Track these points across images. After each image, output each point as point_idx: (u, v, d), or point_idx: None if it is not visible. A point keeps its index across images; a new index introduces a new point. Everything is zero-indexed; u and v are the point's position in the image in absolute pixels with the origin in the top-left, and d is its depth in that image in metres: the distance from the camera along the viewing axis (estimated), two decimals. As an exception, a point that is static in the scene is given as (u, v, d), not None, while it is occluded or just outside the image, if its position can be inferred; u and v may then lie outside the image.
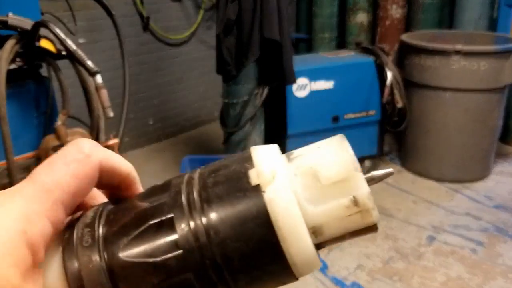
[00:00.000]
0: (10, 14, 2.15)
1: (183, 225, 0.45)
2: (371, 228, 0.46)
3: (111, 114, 2.41)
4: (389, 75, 4.45)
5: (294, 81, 4.19)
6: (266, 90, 4.21)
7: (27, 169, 2.41)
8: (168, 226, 0.46)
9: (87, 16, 4.94)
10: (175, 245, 0.45)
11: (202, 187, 0.47)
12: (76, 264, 0.44)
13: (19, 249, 0.39)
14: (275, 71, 4.12)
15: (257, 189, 0.45)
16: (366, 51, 4.85)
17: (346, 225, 0.46)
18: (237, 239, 0.44)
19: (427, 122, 4.77)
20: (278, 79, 4.13)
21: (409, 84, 4.81)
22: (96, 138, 2.44)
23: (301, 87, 4.43)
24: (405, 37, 4.96)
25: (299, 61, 4.55)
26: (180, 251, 0.44)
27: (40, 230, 0.41)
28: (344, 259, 3.67)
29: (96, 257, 0.44)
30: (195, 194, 0.47)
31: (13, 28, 2.17)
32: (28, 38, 2.20)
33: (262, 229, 0.44)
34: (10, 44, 2.17)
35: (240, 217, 0.44)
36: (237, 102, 4.25)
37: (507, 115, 5.30)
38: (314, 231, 0.46)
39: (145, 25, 5.58)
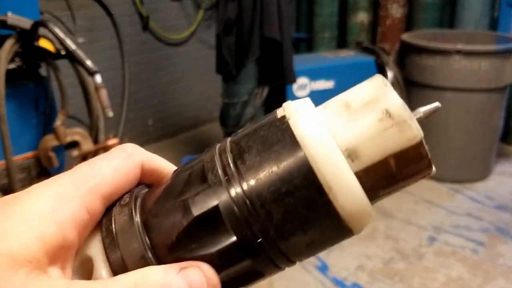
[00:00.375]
0: (9, 14, 2.15)
1: (223, 196, 0.44)
2: (420, 155, 0.45)
3: (111, 114, 2.41)
4: (390, 74, 4.45)
5: (294, 81, 4.18)
6: (266, 90, 4.21)
7: (27, 169, 2.42)
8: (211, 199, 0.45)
9: (86, 15, 4.94)
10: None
11: (236, 152, 0.46)
12: (118, 253, 0.44)
13: (46, 225, 0.40)
14: (275, 70, 4.11)
15: (283, 121, 0.45)
16: (366, 50, 4.86)
17: (384, 142, 0.44)
18: (277, 192, 0.43)
19: (428, 123, 4.70)
20: (278, 78, 4.13)
21: (410, 84, 4.81)
22: (95, 138, 2.45)
23: (301, 87, 4.43)
24: (405, 36, 4.96)
25: (300, 60, 4.55)
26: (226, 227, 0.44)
27: (71, 212, 0.42)
28: (344, 259, 3.66)
29: (136, 244, 0.44)
30: (230, 160, 0.46)
31: (12, 27, 2.18)
32: (27, 37, 2.20)
33: (297, 163, 0.43)
34: (9, 43, 2.17)
35: (277, 165, 0.43)
36: (237, 102, 4.25)
37: (508, 115, 5.30)
38: (349, 154, 0.44)
39: (145, 24, 5.58)
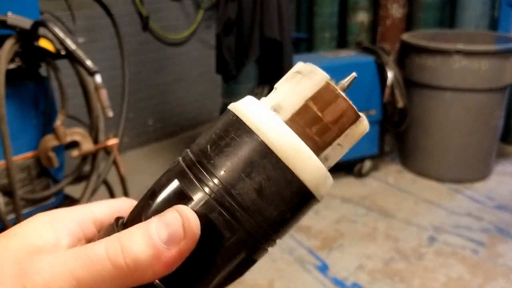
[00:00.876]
0: (9, 14, 2.15)
1: (199, 194, 0.51)
2: (334, 94, 0.53)
3: (111, 114, 2.42)
4: (390, 74, 4.45)
5: (295, 81, 4.18)
6: (266, 90, 4.21)
7: (27, 169, 2.42)
8: (181, 196, 0.52)
9: (86, 15, 4.94)
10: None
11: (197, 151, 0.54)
12: None
13: (45, 231, 0.49)
14: (275, 70, 4.12)
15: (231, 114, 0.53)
16: (366, 50, 4.86)
17: (300, 91, 0.53)
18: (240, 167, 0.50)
19: (428, 122, 4.77)
20: (278, 78, 4.12)
21: (410, 84, 4.81)
22: (95, 138, 2.45)
23: (301, 87, 4.42)
24: (406, 36, 4.96)
25: (300, 60, 4.54)
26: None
27: (67, 225, 0.51)
28: (344, 259, 3.66)
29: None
30: (193, 157, 0.54)
31: (12, 27, 2.18)
32: (27, 37, 2.20)
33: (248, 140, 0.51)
34: (9, 43, 2.18)
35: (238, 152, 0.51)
36: (237, 102, 4.26)
37: (508, 115, 5.30)
38: (275, 109, 0.53)
39: (145, 24, 5.58)
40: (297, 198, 0.51)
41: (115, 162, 2.62)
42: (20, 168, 2.39)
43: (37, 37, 2.23)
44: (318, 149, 0.53)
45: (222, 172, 0.50)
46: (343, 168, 4.99)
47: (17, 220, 2.26)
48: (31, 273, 0.44)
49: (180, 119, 6.29)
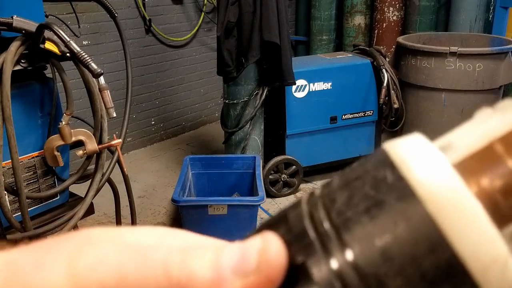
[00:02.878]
0: (15, 17, 2.16)
1: (322, 270, 0.35)
2: None
3: (114, 114, 2.44)
4: (386, 76, 4.48)
5: (294, 83, 4.23)
6: (265, 91, 4.26)
7: (32, 168, 2.46)
8: (303, 277, 0.36)
9: (90, 18, 5.00)
10: None
11: (333, 211, 0.37)
12: None
13: None
14: (274, 72, 4.17)
15: (399, 179, 0.35)
16: (363, 52, 4.89)
17: (484, 129, 0.37)
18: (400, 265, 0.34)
19: (423, 123, 4.83)
20: (277, 80, 4.18)
21: (405, 85, 4.86)
22: (100, 138, 2.48)
23: (300, 88, 4.48)
24: (401, 39, 5.01)
25: (298, 62, 4.61)
26: None
27: None
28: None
29: None
30: (325, 223, 0.36)
31: (18, 30, 2.18)
32: (32, 40, 2.22)
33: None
34: (15, 46, 2.19)
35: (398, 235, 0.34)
36: (237, 103, 4.31)
37: (502, 115, 5.35)
38: (443, 148, 0.38)
39: (147, 27, 5.64)
40: (442, 273, 0.33)
41: (118, 162, 2.62)
42: (26, 167, 2.41)
43: (43, 39, 2.24)
44: (500, 216, 0.34)
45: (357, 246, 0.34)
46: (341, 167, 5.02)
47: (23, 218, 2.29)
48: (82, 253, 0.39)
49: (182, 119, 6.34)
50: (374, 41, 6.15)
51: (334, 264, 0.34)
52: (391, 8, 5.95)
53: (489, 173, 0.34)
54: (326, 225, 0.36)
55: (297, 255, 0.36)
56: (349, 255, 0.34)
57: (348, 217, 0.35)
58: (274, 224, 0.39)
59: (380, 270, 0.33)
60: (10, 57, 2.18)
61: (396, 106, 4.59)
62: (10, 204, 2.31)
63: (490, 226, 0.33)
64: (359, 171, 0.38)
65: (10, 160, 2.21)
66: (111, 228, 0.44)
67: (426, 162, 0.35)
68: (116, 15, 2.76)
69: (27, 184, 2.42)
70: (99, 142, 2.48)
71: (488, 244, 0.32)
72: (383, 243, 0.34)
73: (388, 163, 0.36)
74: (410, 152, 0.36)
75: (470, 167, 0.35)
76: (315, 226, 0.36)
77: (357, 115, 4.72)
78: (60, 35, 2.19)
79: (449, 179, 0.34)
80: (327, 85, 4.54)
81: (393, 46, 5.43)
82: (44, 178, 2.53)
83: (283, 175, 4.59)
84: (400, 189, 0.34)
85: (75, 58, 2.23)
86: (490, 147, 0.35)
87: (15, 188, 2.27)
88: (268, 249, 0.36)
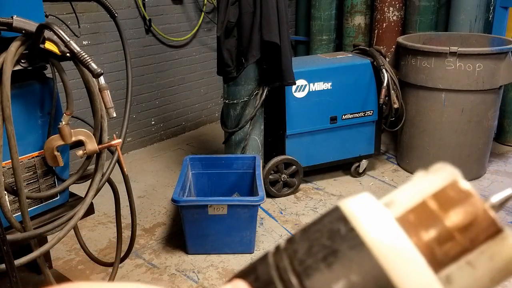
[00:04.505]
0: (15, 17, 2.16)
1: None
2: (458, 190, 0.44)
3: (114, 114, 2.43)
4: (386, 76, 4.49)
5: (294, 83, 4.24)
6: (265, 91, 4.27)
7: (32, 168, 2.46)
8: None
9: (90, 18, 5.01)
10: None
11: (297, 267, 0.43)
12: None
13: None
14: (274, 72, 4.17)
15: (350, 231, 0.42)
16: (363, 52, 4.89)
17: (420, 187, 0.45)
18: None
19: (423, 122, 4.83)
20: (277, 80, 4.18)
21: (405, 85, 4.87)
22: (100, 138, 2.48)
23: (300, 88, 4.48)
24: (401, 39, 5.01)
25: (298, 62, 4.61)
26: None
27: None
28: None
29: None
30: (289, 271, 0.43)
31: (18, 30, 2.17)
32: (32, 40, 2.22)
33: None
34: (15, 46, 2.19)
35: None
36: (237, 103, 4.31)
37: (502, 115, 5.37)
38: (387, 204, 0.45)
39: (147, 27, 5.64)
40: None
41: (118, 162, 2.62)
42: (26, 167, 2.41)
43: (43, 39, 2.23)
44: (436, 262, 0.41)
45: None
46: (341, 167, 5.06)
47: (23, 218, 2.30)
48: None
49: (182, 119, 6.35)
50: (374, 41, 6.16)
51: None
52: (391, 8, 5.95)
53: (425, 225, 0.42)
54: (290, 273, 0.42)
55: None
56: None
57: (308, 265, 0.42)
58: (244, 274, 0.45)
59: None
60: (10, 57, 2.18)
61: (396, 106, 4.60)
62: (10, 204, 2.31)
63: (428, 271, 0.40)
64: (318, 225, 0.45)
65: (10, 160, 2.21)
66: (95, 284, 0.46)
67: (373, 216, 0.42)
68: (116, 15, 2.76)
69: (27, 184, 2.42)
70: (99, 142, 2.47)
71: (426, 286, 0.39)
72: (339, 287, 0.40)
73: (341, 218, 0.43)
74: (359, 208, 0.43)
75: (409, 220, 0.42)
76: (280, 274, 0.42)
77: (357, 115, 4.73)
78: (60, 35, 2.19)
79: (392, 230, 0.41)
80: (327, 85, 4.55)
81: (393, 46, 5.43)
82: (44, 178, 2.53)
83: (283, 175, 4.59)
84: (351, 239, 0.41)
85: (75, 58, 2.23)
86: (424, 203, 0.43)
87: (15, 188, 2.27)
88: None
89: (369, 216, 0.42)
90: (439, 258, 0.41)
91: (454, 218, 0.42)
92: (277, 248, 0.45)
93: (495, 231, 0.42)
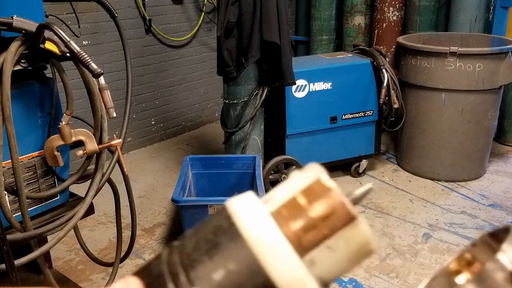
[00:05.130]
0: (15, 17, 2.16)
1: None
2: (321, 186, 0.50)
3: (114, 114, 2.43)
4: (386, 76, 4.49)
5: (294, 83, 4.23)
6: (265, 91, 4.26)
7: (32, 168, 2.46)
8: None
9: (90, 18, 5.01)
10: None
11: (186, 264, 0.48)
12: None
13: None
14: (274, 72, 4.17)
15: (230, 225, 0.49)
16: (363, 52, 4.89)
17: (291, 184, 0.51)
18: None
19: (423, 122, 4.83)
20: (277, 80, 4.18)
21: (406, 85, 4.87)
22: (100, 138, 2.48)
23: (300, 88, 4.48)
24: (401, 39, 5.01)
25: (298, 62, 4.61)
26: None
27: None
28: (341, 256, 3.70)
29: None
30: (178, 265, 0.48)
31: (18, 30, 2.17)
32: (32, 40, 2.22)
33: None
34: (15, 46, 2.19)
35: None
36: (238, 103, 4.31)
37: (502, 115, 5.37)
38: (265, 201, 0.51)
39: (147, 27, 5.64)
40: None
41: (118, 162, 2.61)
42: (26, 167, 2.41)
43: (43, 39, 2.23)
44: (302, 248, 0.48)
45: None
46: (341, 167, 5.05)
47: (23, 218, 2.30)
48: None
49: (182, 119, 6.35)
50: (374, 41, 6.16)
51: None
52: (391, 8, 5.95)
53: (294, 217, 0.48)
54: (178, 266, 0.47)
55: None
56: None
57: (194, 259, 0.47)
58: (139, 271, 0.50)
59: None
60: (10, 57, 2.18)
61: (396, 106, 4.60)
62: (10, 204, 2.31)
63: (293, 255, 0.47)
64: (206, 222, 0.50)
65: (10, 160, 2.21)
66: None
67: (250, 212, 0.48)
68: (116, 15, 2.76)
69: (27, 184, 2.42)
70: (99, 142, 2.47)
71: (291, 268, 0.46)
72: (218, 276, 0.46)
73: (224, 214, 0.49)
74: (239, 205, 0.49)
75: (282, 213, 0.49)
76: (170, 268, 0.48)
77: (357, 115, 4.73)
78: (60, 35, 2.18)
79: (265, 223, 0.48)
80: (327, 85, 4.55)
81: (393, 46, 5.43)
82: (44, 178, 2.53)
83: (283, 175, 4.59)
84: (231, 233, 0.48)
85: (75, 58, 2.23)
86: (295, 198, 0.49)
87: (15, 188, 2.27)
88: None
89: (247, 212, 0.48)
90: (304, 244, 0.48)
91: (317, 209, 0.48)
92: (170, 246, 0.51)
93: (350, 219, 0.48)
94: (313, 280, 0.47)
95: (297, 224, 0.48)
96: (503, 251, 0.49)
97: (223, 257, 0.47)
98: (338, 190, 0.49)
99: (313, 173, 0.50)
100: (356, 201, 0.52)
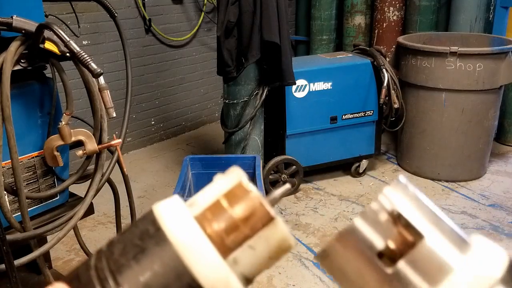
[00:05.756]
0: (15, 16, 2.16)
1: None
2: (242, 189, 0.53)
3: (114, 114, 2.43)
4: (386, 76, 4.48)
5: (294, 83, 4.23)
6: (265, 91, 4.26)
7: (32, 168, 2.45)
8: None
9: (90, 18, 5.00)
10: None
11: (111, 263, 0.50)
12: None
13: None
14: (274, 72, 4.16)
15: (155, 228, 0.51)
16: (363, 52, 4.89)
17: (214, 188, 0.54)
18: None
19: (423, 122, 4.82)
20: (277, 80, 4.18)
21: (406, 85, 4.87)
22: (99, 138, 2.47)
23: (300, 88, 4.47)
24: (401, 39, 5.01)
25: (298, 62, 4.61)
26: None
27: None
28: (341, 256, 3.70)
29: None
30: (106, 270, 0.50)
31: (18, 30, 2.17)
32: (32, 40, 2.22)
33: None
34: (14, 45, 2.18)
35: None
36: (237, 103, 4.31)
37: (502, 115, 5.36)
38: (190, 205, 0.54)
39: (147, 27, 5.64)
40: None
41: (118, 162, 2.61)
42: (26, 167, 2.40)
43: (42, 39, 2.23)
44: (225, 248, 0.51)
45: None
46: (341, 167, 5.05)
47: (22, 218, 2.29)
48: None
49: (182, 119, 6.34)
50: (374, 41, 6.15)
51: None
52: (391, 8, 5.95)
53: (217, 219, 0.51)
54: (106, 272, 0.49)
55: None
56: None
57: (121, 264, 0.49)
58: (67, 277, 0.51)
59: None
60: (10, 57, 2.17)
61: (396, 106, 4.59)
62: (9, 204, 2.31)
63: (216, 256, 0.49)
64: (132, 227, 0.52)
65: (10, 160, 2.20)
66: None
67: (174, 216, 0.51)
68: (116, 15, 2.75)
69: (26, 184, 2.41)
70: (99, 142, 2.47)
71: (214, 268, 0.49)
72: (145, 279, 0.48)
73: (150, 219, 0.51)
74: (165, 210, 0.52)
75: (206, 216, 0.51)
76: (98, 274, 0.49)
77: (357, 115, 4.72)
78: (60, 35, 2.18)
79: (189, 226, 0.50)
80: (327, 85, 4.54)
81: (393, 46, 5.42)
82: (44, 178, 2.52)
83: (283, 175, 4.59)
84: (157, 237, 0.49)
85: (74, 58, 2.22)
86: (218, 202, 0.52)
87: (14, 188, 2.27)
88: None
89: (172, 216, 0.51)
90: (227, 244, 0.51)
91: (238, 211, 0.51)
92: (98, 252, 0.52)
93: (269, 219, 0.51)
94: (235, 278, 0.50)
95: (220, 226, 0.51)
96: (384, 194, 0.51)
97: (149, 260, 0.49)
98: (258, 193, 0.52)
99: (234, 176, 0.54)
100: (273, 202, 0.55)
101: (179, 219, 0.51)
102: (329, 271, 0.52)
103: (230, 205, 0.52)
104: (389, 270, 0.49)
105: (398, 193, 0.51)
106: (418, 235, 0.49)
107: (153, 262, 0.49)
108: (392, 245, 0.49)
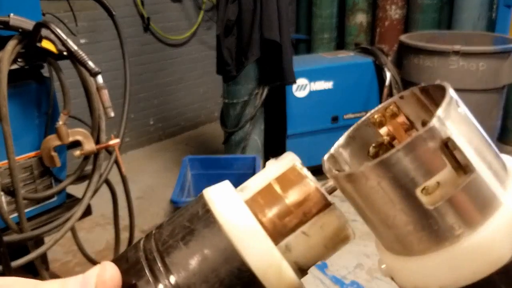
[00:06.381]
0: (12, 15, 2.16)
1: None
2: (296, 173, 0.51)
3: (112, 114, 2.42)
4: (388, 75, 4.47)
5: (294, 82, 4.21)
6: (266, 90, 4.24)
7: (29, 169, 2.44)
8: None
9: (88, 16, 4.98)
10: None
11: (161, 250, 0.49)
12: None
13: None
14: (275, 71, 4.14)
15: (207, 212, 0.49)
16: (365, 51, 4.88)
17: (266, 172, 0.52)
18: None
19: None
20: (278, 79, 4.16)
21: (408, 84, 4.81)
22: (97, 138, 2.46)
23: (301, 87, 4.45)
24: (404, 37, 4.98)
25: (299, 61, 4.58)
26: None
27: None
28: (343, 258, 3.69)
29: None
30: (154, 251, 0.49)
31: (15, 28, 2.17)
32: (29, 38, 2.21)
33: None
34: (11, 44, 2.18)
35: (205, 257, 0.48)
36: (237, 102, 4.28)
37: (505, 115, 5.33)
38: (241, 189, 0.52)
39: (146, 25, 5.61)
40: (235, 278, 0.47)
41: (116, 162, 2.62)
42: (23, 168, 2.40)
43: (40, 38, 2.23)
44: (277, 233, 0.49)
45: (179, 272, 0.48)
46: (342, 168, 5.02)
47: (19, 219, 2.28)
48: None
49: (181, 119, 6.32)
50: (376, 40, 6.13)
51: (160, 284, 0.47)
52: (393, 6, 5.93)
53: (269, 203, 0.50)
54: (155, 253, 0.49)
55: (131, 279, 0.48)
56: (171, 277, 0.47)
57: (169, 245, 0.49)
58: (116, 258, 0.51)
59: (190, 281, 0.47)
60: (7, 56, 2.17)
61: (398, 105, 4.56)
62: (6, 205, 2.31)
63: (267, 241, 0.48)
64: (182, 210, 0.52)
65: (7, 161, 2.20)
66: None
67: (225, 199, 0.50)
68: (114, 13, 2.74)
69: (23, 185, 2.41)
70: (97, 142, 2.46)
71: (266, 254, 0.47)
72: (193, 261, 0.47)
73: (200, 202, 0.50)
74: (215, 193, 0.51)
75: (257, 200, 0.50)
76: (146, 255, 0.49)
77: (358, 114, 4.69)
78: (57, 33, 2.17)
79: (239, 210, 0.49)
80: (328, 85, 4.52)
81: (395, 45, 5.40)
82: (41, 179, 2.52)
83: (283, 175, 4.56)
84: (206, 219, 0.49)
85: (72, 57, 2.22)
86: (270, 186, 0.50)
87: (11, 189, 2.27)
88: (104, 274, 0.46)
89: (222, 199, 0.50)
90: (280, 230, 0.49)
91: (291, 196, 0.50)
92: (148, 235, 0.52)
93: (324, 205, 0.50)
94: (288, 264, 0.48)
95: (272, 211, 0.50)
96: (437, 117, 0.43)
97: (198, 242, 0.48)
98: (313, 177, 0.51)
99: (288, 160, 0.52)
100: (331, 191, 0.52)
101: (229, 202, 0.50)
102: (348, 195, 0.48)
103: (283, 189, 0.50)
104: (430, 206, 0.44)
105: (451, 114, 0.44)
106: (469, 169, 0.44)
107: (202, 243, 0.48)
108: (437, 178, 0.45)
